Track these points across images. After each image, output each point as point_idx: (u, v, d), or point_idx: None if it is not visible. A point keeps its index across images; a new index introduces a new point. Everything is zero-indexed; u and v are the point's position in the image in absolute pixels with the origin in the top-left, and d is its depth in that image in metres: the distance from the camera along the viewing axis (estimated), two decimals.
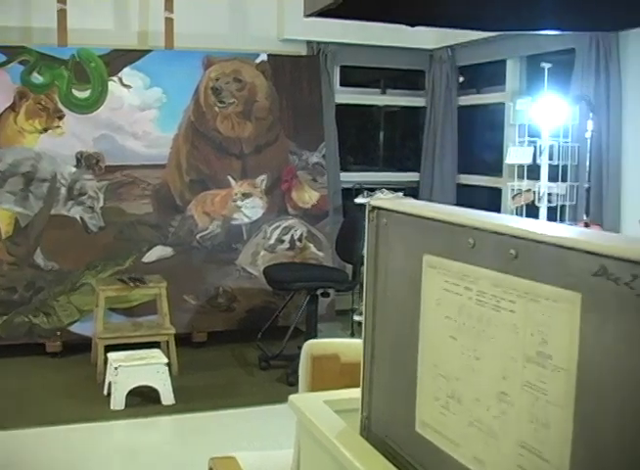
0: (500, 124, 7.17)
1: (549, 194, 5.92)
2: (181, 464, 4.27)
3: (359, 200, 7.09)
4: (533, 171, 6.08)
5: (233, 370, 5.88)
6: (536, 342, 1.12)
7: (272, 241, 6.71)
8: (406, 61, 7.70)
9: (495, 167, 7.25)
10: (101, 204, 6.28)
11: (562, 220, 5.88)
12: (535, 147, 5.98)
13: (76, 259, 6.18)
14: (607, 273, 0.98)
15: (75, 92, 6.25)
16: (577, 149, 5.85)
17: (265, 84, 6.75)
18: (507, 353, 1.18)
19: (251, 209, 6.65)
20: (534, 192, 5.99)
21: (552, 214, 5.91)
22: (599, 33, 5.54)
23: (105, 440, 4.65)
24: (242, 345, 6.37)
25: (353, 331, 6.86)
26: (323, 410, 1.73)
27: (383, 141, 8.31)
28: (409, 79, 8.10)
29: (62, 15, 6.29)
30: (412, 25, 1.83)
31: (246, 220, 6.66)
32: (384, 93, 7.99)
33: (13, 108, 6.11)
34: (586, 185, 5.47)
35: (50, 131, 6.18)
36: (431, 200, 7.30)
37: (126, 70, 6.38)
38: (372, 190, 7.41)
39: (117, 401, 5.01)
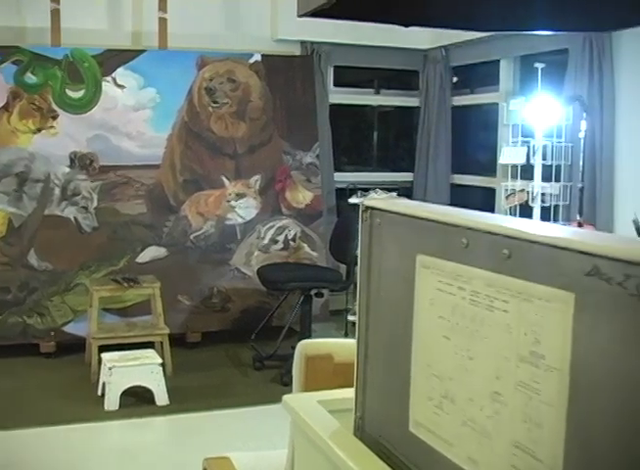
0: (494, 124, 7.18)
1: (542, 194, 5.93)
2: (175, 464, 4.27)
3: (353, 200, 7.09)
4: (527, 171, 6.08)
5: (227, 370, 5.88)
6: (529, 342, 1.12)
7: (266, 241, 6.71)
8: (400, 61, 7.70)
9: (489, 167, 7.26)
10: (95, 204, 6.27)
11: (555, 220, 5.88)
12: (529, 147, 5.99)
13: (70, 260, 6.17)
14: (600, 273, 0.98)
15: (69, 92, 6.24)
16: (571, 149, 5.86)
17: (259, 84, 6.74)
18: (500, 353, 1.18)
19: (245, 209, 6.65)
20: (528, 192, 6.00)
21: (546, 214, 5.92)
22: (592, 33, 5.55)
23: (99, 440, 4.64)
24: (236, 345, 6.37)
25: (347, 331, 6.86)
26: (317, 410, 1.73)
27: (376, 141, 8.31)
28: (403, 79, 8.10)
29: (55, 15, 6.28)
30: (406, 26, 1.83)
31: (240, 220, 6.65)
32: (377, 93, 7.99)
33: (6, 108, 6.10)
34: (580, 185, 5.47)
35: (44, 131, 6.17)
36: (425, 200, 7.31)
37: (120, 70, 6.37)
38: (366, 190, 7.42)
39: (111, 402, 5.01)
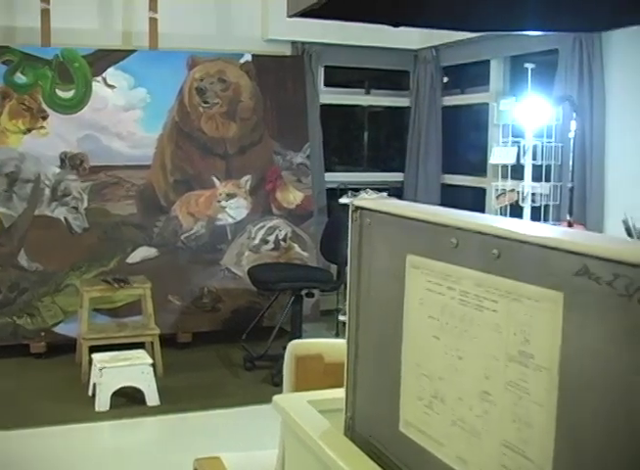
0: (484, 125, 7.19)
1: (533, 194, 5.94)
2: (166, 465, 4.26)
3: (344, 200, 7.10)
4: (517, 171, 6.09)
5: (218, 371, 5.88)
6: (519, 341, 1.12)
7: (257, 241, 6.71)
8: (390, 61, 7.71)
9: (479, 168, 7.27)
10: (85, 204, 6.26)
11: (545, 220, 5.90)
12: (519, 147, 6.00)
13: (60, 260, 6.16)
14: (589, 273, 0.99)
15: (59, 92, 6.23)
16: (561, 149, 5.87)
17: (250, 84, 6.74)
18: (490, 353, 1.19)
19: (236, 209, 6.65)
20: (518, 192, 6.01)
21: (536, 214, 5.93)
22: (582, 34, 5.56)
23: (89, 441, 4.64)
24: (227, 345, 6.36)
25: (338, 331, 6.87)
26: (307, 410, 1.73)
27: (367, 141, 8.31)
28: (393, 80, 8.11)
29: (45, 14, 6.27)
30: (395, 26, 1.83)
31: (230, 221, 6.65)
32: (368, 93, 7.99)
33: None
34: (570, 185, 5.48)
35: (34, 132, 6.15)
36: (415, 200, 7.31)
37: (110, 70, 6.36)
38: (356, 190, 7.42)
39: (102, 402, 5.00)
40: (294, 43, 7.21)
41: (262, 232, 6.72)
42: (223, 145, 6.64)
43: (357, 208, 1.58)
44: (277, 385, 5.36)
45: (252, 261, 6.53)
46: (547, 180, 5.93)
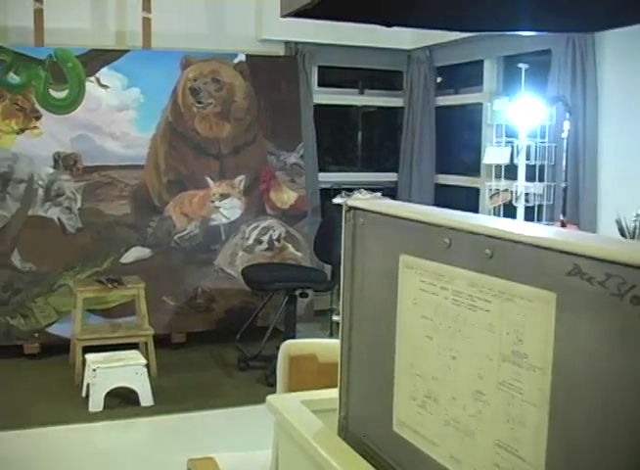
0: (478, 125, 7.20)
1: (526, 194, 5.95)
2: (160, 465, 4.26)
3: (337, 200, 7.10)
4: (511, 171, 6.10)
5: (212, 371, 5.87)
6: (512, 341, 1.12)
7: (250, 241, 6.71)
8: (384, 61, 7.71)
9: (473, 168, 7.27)
10: (78, 205, 6.25)
11: (539, 220, 5.91)
12: (513, 147, 6.01)
13: (54, 261, 6.15)
14: (581, 273, 0.99)
15: (52, 92, 6.22)
16: (554, 149, 5.88)
17: (243, 84, 6.74)
18: (483, 353, 1.19)
19: (230, 209, 6.65)
20: (512, 192, 6.02)
21: (529, 214, 5.94)
22: (575, 34, 5.57)
23: (83, 441, 4.63)
24: (221, 345, 6.36)
25: (332, 331, 6.87)
26: (301, 411, 1.73)
27: (361, 141, 8.32)
28: (387, 80, 8.11)
29: (38, 14, 6.26)
30: (389, 26, 1.83)
31: (224, 221, 6.65)
32: (362, 93, 8.00)
33: None
34: (563, 185, 5.49)
35: (27, 132, 6.14)
36: (409, 200, 7.32)
37: (104, 70, 6.35)
38: (350, 190, 7.42)
39: (96, 403, 4.99)
40: (287, 43, 7.21)
41: (256, 232, 6.72)
42: (217, 145, 6.63)
43: (351, 208, 1.58)
44: (271, 385, 5.36)
45: (246, 262, 6.53)
46: (540, 180, 5.94)
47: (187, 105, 6.56)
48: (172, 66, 6.53)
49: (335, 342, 1.89)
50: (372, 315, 1.52)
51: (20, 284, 6.06)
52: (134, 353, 5.24)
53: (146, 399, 5.10)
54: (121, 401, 5.10)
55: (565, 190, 5.48)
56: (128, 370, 5.08)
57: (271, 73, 6.85)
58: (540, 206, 5.95)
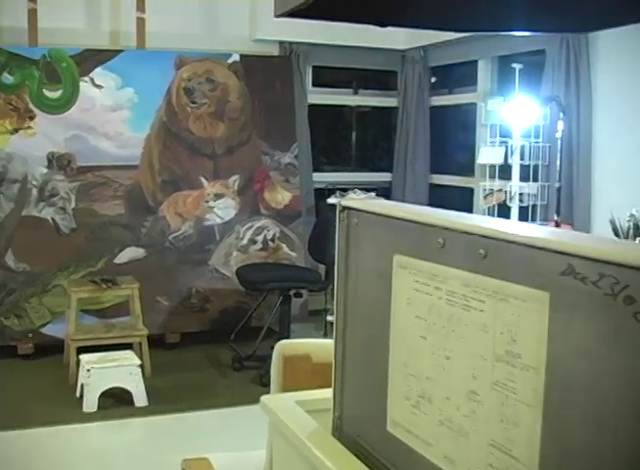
0: (472, 125, 7.20)
1: (520, 194, 5.95)
2: (154, 466, 4.25)
3: (332, 200, 7.10)
4: (505, 171, 6.11)
5: (206, 371, 5.87)
6: (506, 341, 1.12)
7: (245, 241, 6.70)
8: (378, 61, 7.71)
9: (467, 167, 7.28)
10: (73, 205, 6.24)
11: (533, 220, 5.91)
12: (507, 147, 6.02)
13: (48, 261, 6.14)
14: (574, 272, 0.99)
15: (46, 92, 6.21)
16: (548, 149, 5.89)
17: (237, 85, 6.73)
18: (477, 353, 1.19)
19: (224, 209, 6.64)
20: (506, 192, 6.02)
21: (523, 214, 5.95)
22: (569, 35, 5.58)
23: (77, 442, 4.62)
24: (215, 346, 6.35)
25: (326, 331, 6.87)
26: (295, 411, 1.73)
27: (355, 141, 8.32)
28: (381, 80, 8.11)
29: (32, 14, 6.25)
30: (382, 26, 1.83)
31: (218, 221, 6.64)
32: (356, 93, 8.00)
33: None
34: (557, 185, 5.50)
35: (21, 132, 6.13)
36: (403, 200, 7.32)
37: (98, 70, 6.34)
38: (344, 190, 7.42)
39: (90, 403, 4.99)
40: (281, 43, 7.21)
41: (250, 232, 6.72)
42: (211, 145, 6.63)
43: (344, 208, 1.58)
44: (265, 385, 5.35)
45: (241, 262, 6.53)
46: (535, 180, 5.95)
47: (181, 105, 6.56)
48: (166, 66, 6.52)
49: (329, 342, 1.89)
50: (366, 315, 1.52)
51: (13, 284, 6.05)
52: (128, 354, 5.24)
53: (140, 399, 5.10)
54: (116, 402, 5.09)
55: (559, 190, 5.49)
56: (122, 370, 5.07)
57: (265, 73, 6.85)
58: (534, 206, 5.95)
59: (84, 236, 6.26)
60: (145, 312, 5.87)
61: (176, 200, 6.52)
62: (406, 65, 7.68)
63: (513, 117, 5.92)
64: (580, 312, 0.98)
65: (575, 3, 1.85)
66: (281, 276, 5.97)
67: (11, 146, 6.10)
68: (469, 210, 6.91)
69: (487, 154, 6.22)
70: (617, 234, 4.96)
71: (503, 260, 1.13)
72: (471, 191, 7.15)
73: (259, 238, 6.74)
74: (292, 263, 6.76)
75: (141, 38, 6.54)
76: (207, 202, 6.60)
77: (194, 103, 6.59)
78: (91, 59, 6.34)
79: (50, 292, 6.13)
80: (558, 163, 5.49)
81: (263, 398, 1.82)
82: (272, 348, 2.29)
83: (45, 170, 6.18)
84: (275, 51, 7.22)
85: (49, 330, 6.10)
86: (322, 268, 6.30)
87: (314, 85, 7.64)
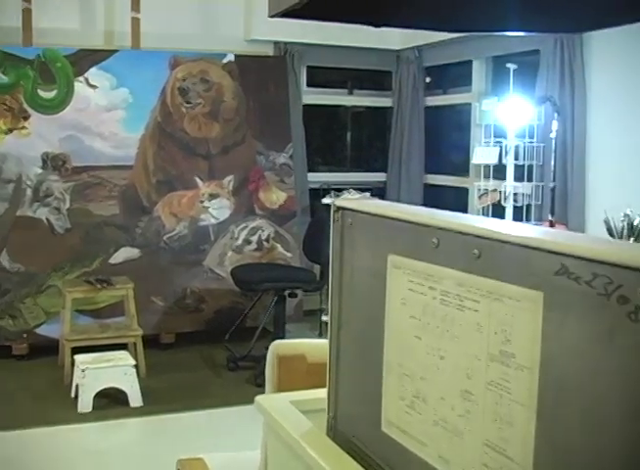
0: (466, 125, 7.21)
1: (515, 194, 5.96)
2: (149, 466, 4.25)
3: (326, 200, 7.10)
4: (499, 171, 6.12)
5: (201, 371, 5.86)
6: (500, 341, 1.13)
7: (239, 242, 6.70)
8: (373, 61, 7.71)
9: (462, 168, 7.28)
10: (67, 205, 6.24)
11: (527, 220, 5.92)
12: (501, 147, 6.02)
13: (43, 261, 6.13)
14: (568, 272, 0.99)
15: (41, 92, 6.20)
16: (543, 149, 5.89)
17: (232, 85, 6.73)
18: (471, 353, 1.19)
19: (219, 209, 6.64)
20: (500, 192, 6.03)
21: (518, 214, 5.96)
22: (563, 35, 5.58)
23: (72, 442, 4.62)
24: (210, 346, 6.35)
25: (321, 331, 6.86)
26: (289, 411, 1.73)
27: (350, 141, 8.32)
28: (376, 80, 8.12)
29: (27, 14, 6.24)
30: (377, 26, 1.83)
31: (213, 221, 6.64)
32: (351, 93, 8.00)
33: None
34: (551, 185, 5.51)
35: (15, 132, 6.12)
36: (398, 200, 7.33)
37: (93, 70, 6.34)
38: (339, 190, 7.42)
39: (85, 404, 4.98)
40: (276, 43, 7.21)
41: (245, 232, 6.72)
42: (206, 145, 6.63)
43: (339, 208, 1.58)
44: (260, 385, 5.35)
45: (235, 262, 6.52)
46: (529, 180, 5.95)
47: (176, 105, 6.56)
48: (161, 66, 6.52)
49: (324, 342, 1.89)
50: (360, 315, 1.52)
51: (8, 284, 6.04)
52: (123, 354, 5.23)
53: (135, 399, 5.09)
54: (110, 402, 5.09)
55: (553, 190, 5.49)
56: (117, 371, 5.07)
57: (260, 74, 6.85)
58: (529, 206, 5.96)
59: (79, 236, 6.25)
60: (140, 313, 5.86)
61: (171, 200, 6.52)
62: (401, 65, 7.68)
63: (507, 117, 5.93)
64: (574, 312, 0.99)
65: (570, 3, 1.85)
66: (276, 276, 5.97)
67: (5, 146, 6.09)
68: (463, 210, 6.91)
69: (482, 154, 6.23)
70: (611, 234, 4.97)
71: (497, 260, 1.13)
72: (465, 191, 7.15)
73: (254, 238, 6.74)
74: (286, 264, 6.76)
75: (136, 38, 6.53)
76: (202, 202, 6.59)
77: (188, 103, 6.58)
78: (86, 59, 6.33)
79: (45, 292, 6.13)
80: (552, 162, 5.49)
81: (258, 398, 1.82)
82: (267, 348, 2.29)
83: (40, 171, 6.17)
84: (270, 51, 7.22)
85: (44, 330, 6.09)
86: (317, 268, 6.30)
87: (309, 85, 7.64)
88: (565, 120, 5.69)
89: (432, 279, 1.29)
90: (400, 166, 7.65)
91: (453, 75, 7.62)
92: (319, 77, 7.81)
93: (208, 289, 6.56)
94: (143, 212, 6.45)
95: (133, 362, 5.12)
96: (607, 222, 5.03)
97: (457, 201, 7.26)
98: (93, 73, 6.34)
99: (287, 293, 5.85)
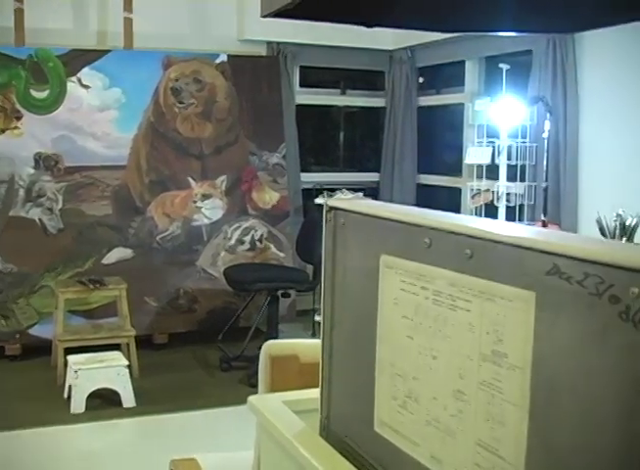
0: (459, 125, 7.22)
1: (508, 194, 5.97)
2: (142, 467, 4.25)
3: (319, 200, 7.10)
4: (492, 171, 6.12)
5: (194, 372, 5.86)
6: (492, 341, 1.13)
7: (232, 242, 6.70)
8: (366, 61, 7.72)
9: (455, 168, 7.29)
10: (60, 205, 6.23)
11: (520, 220, 5.93)
12: (494, 147, 6.03)
13: (35, 262, 6.12)
14: (560, 272, 0.99)
15: (33, 92, 6.19)
16: (535, 149, 5.90)
17: (225, 85, 6.73)
18: (463, 352, 1.19)
19: (212, 209, 6.64)
20: (493, 192, 6.04)
21: (511, 214, 5.96)
22: (555, 35, 5.59)
23: (65, 443, 4.61)
24: (203, 346, 6.35)
25: (315, 331, 6.86)
26: (282, 411, 1.73)
27: (343, 141, 8.32)
28: (369, 80, 8.12)
29: (19, 14, 6.23)
30: (369, 26, 1.83)
31: (206, 221, 6.63)
32: (344, 94, 8.00)
33: None
34: (544, 185, 5.51)
35: (8, 132, 6.11)
36: (391, 200, 7.34)
37: (85, 70, 6.33)
38: (332, 190, 7.42)
39: (78, 404, 4.98)
40: (269, 43, 7.20)
41: (238, 233, 6.71)
42: (199, 145, 6.62)
43: (331, 208, 1.58)
44: (253, 386, 5.35)
45: (228, 262, 6.52)
46: (522, 180, 5.96)
47: (169, 105, 6.55)
48: (154, 66, 6.51)
49: (316, 342, 1.89)
50: (353, 315, 1.52)
51: (1, 285, 6.03)
52: (116, 355, 5.23)
53: (128, 400, 5.09)
54: (103, 403, 5.08)
55: (546, 190, 5.50)
56: (110, 371, 5.06)
57: (253, 74, 6.85)
58: (521, 206, 5.97)
59: (71, 237, 6.24)
60: (133, 313, 5.86)
61: (164, 200, 6.51)
62: (394, 65, 7.68)
63: (500, 117, 5.94)
64: (566, 312, 0.99)
65: (562, 4, 1.86)
66: (269, 276, 5.97)
67: None
68: (456, 210, 6.92)
69: (475, 154, 6.23)
70: (603, 234, 4.97)
71: (489, 260, 1.13)
72: (458, 191, 7.16)
73: (247, 238, 6.74)
74: (279, 264, 6.76)
75: (128, 38, 6.53)
76: (195, 202, 6.59)
77: (181, 103, 6.58)
78: (78, 59, 6.32)
79: (37, 293, 6.12)
80: (545, 163, 5.50)
81: (251, 398, 1.81)
82: (260, 348, 2.29)
83: (32, 171, 6.16)
84: (263, 51, 7.21)
85: (36, 331, 6.08)
86: (310, 268, 6.30)
87: (302, 85, 7.64)
88: (557, 121, 5.70)
89: (424, 279, 1.29)
90: (393, 167, 7.65)
91: (446, 76, 7.63)
92: (312, 77, 7.81)
93: (201, 289, 6.56)
94: (136, 213, 6.44)
95: (126, 363, 5.12)
96: (599, 222, 5.03)
97: (450, 201, 7.26)
98: (86, 73, 6.33)
99: (280, 293, 5.85)
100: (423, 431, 1.31)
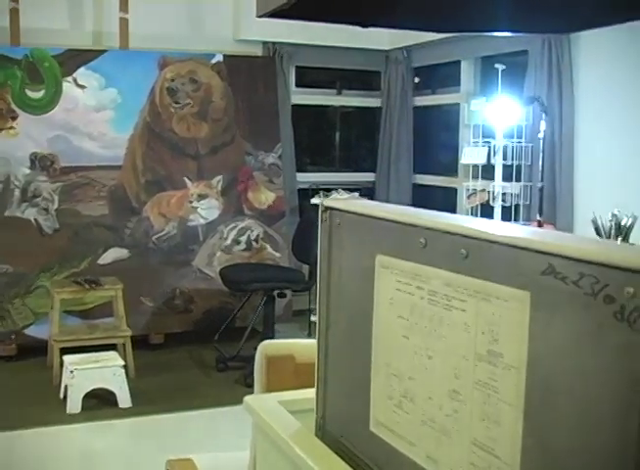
0: (455, 125, 7.22)
1: (503, 194, 5.97)
2: (138, 467, 4.25)
3: (315, 200, 7.10)
4: (488, 171, 6.12)
5: (190, 372, 5.86)
6: (487, 340, 1.13)
7: (228, 242, 6.70)
8: (362, 61, 7.72)
9: (451, 168, 7.30)
10: (56, 205, 6.22)
11: (516, 220, 5.93)
12: (490, 147, 6.03)
13: (31, 262, 6.11)
14: (555, 272, 0.99)
15: (29, 92, 6.19)
16: (531, 149, 5.91)
17: (221, 85, 6.73)
18: (459, 352, 1.19)
19: (208, 210, 6.63)
20: (489, 192, 6.04)
21: (506, 214, 5.96)
22: (551, 35, 5.60)
23: (61, 443, 4.61)
24: (199, 346, 6.35)
25: (311, 331, 6.86)
26: (278, 411, 1.73)
27: (339, 141, 8.33)
28: (365, 80, 8.12)
29: (14, 14, 6.22)
30: (364, 26, 1.83)
31: (202, 221, 6.63)
32: (339, 94, 8.00)
33: None
34: (539, 185, 5.52)
35: (3, 132, 6.11)
36: (387, 200, 7.34)
37: (81, 70, 6.33)
38: (328, 190, 7.43)
39: (74, 405, 4.97)
40: (265, 43, 7.20)
41: (234, 233, 6.71)
42: (195, 145, 6.62)
43: (327, 208, 1.58)
44: (249, 386, 5.32)
45: (224, 262, 6.52)
46: (517, 180, 5.96)
47: (164, 105, 6.55)
48: (150, 66, 6.51)
49: (312, 342, 1.89)
50: (348, 315, 1.53)
51: None
52: (112, 355, 5.22)
53: (124, 400, 5.08)
54: (99, 403, 5.08)
55: (541, 190, 5.51)
56: (106, 371, 5.06)
57: (249, 74, 6.85)
58: (517, 206, 5.97)
59: (67, 237, 6.24)
60: (129, 313, 5.85)
61: (160, 200, 6.51)
62: (389, 65, 7.69)
63: (496, 117, 5.94)
64: (561, 312, 0.99)
65: (558, 4, 1.86)
66: (265, 276, 5.97)
67: None
68: (452, 210, 6.92)
69: (470, 154, 6.24)
70: (599, 234, 4.98)
71: (485, 260, 1.13)
72: (454, 191, 7.16)
73: (243, 238, 6.74)
74: (275, 264, 6.76)
75: (124, 38, 6.52)
76: (191, 202, 6.59)
77: (177, 103, 6.58)
78: (74, 59, 6.32)
79: (33, 293, 6.11)
80: (540, 163, 5.50)
81: (247, 398, 1.81)
82: (256, 348, 2.29)
83: (28, 171, 6.16)
84: (258, 51, 7.21)
85: (32, 331, 6.07)
86: (306, 268, 6.30)
87: (298, 86, 7.64)
88: (553, 121, 5.70)
89: (419, 279, 1.29)
90: (389, 167, 7.66)
91: (442, 76, 7.63)
92: (308, 77, 7.81)
93: (197, 289, 6.56)
94: (132, 213, 6.44)
95: (122, 363, 5.12)
96: (595, 222, 5.04)
97: (446, 201, 7.27)
98: (81, 74, 6.33)
99: (276, 293, 5.85)
100: (418, 431, 1.31)
